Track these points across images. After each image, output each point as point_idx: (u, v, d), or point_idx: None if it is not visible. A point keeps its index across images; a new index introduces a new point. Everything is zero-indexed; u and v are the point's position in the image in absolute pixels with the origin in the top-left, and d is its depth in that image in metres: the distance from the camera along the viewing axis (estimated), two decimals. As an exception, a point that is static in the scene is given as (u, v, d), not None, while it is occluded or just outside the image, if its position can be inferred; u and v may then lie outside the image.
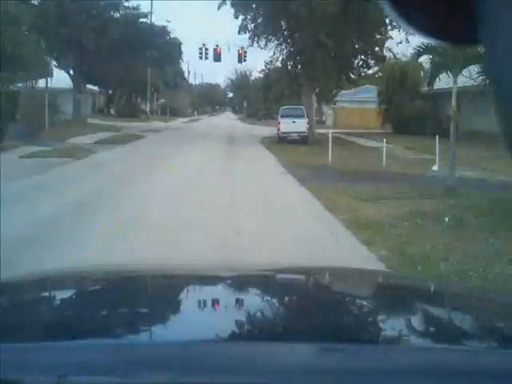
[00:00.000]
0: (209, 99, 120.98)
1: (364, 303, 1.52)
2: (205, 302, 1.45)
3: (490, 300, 1.61)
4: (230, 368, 0.87)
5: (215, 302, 1.45)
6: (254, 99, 77.87)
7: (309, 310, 1.36)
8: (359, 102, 51.37)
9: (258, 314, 1.27)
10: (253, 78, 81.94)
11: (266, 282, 1.72)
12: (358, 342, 1.04)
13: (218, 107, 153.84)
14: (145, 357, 0.89)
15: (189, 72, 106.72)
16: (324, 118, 55.69)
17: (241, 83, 79.83)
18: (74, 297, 1.54)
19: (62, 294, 1.56)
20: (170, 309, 1.38)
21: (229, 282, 1.71)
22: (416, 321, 1.34)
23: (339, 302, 1.54)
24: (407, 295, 1.62)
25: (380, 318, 1.37)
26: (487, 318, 1.39)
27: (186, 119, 66.30)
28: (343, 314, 1.36)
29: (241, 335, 1.11)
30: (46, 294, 1.64)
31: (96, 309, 1.37)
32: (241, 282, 1.71)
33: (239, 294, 1.57)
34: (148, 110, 52.50)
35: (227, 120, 75.53)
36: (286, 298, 1.54)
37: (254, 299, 1.50)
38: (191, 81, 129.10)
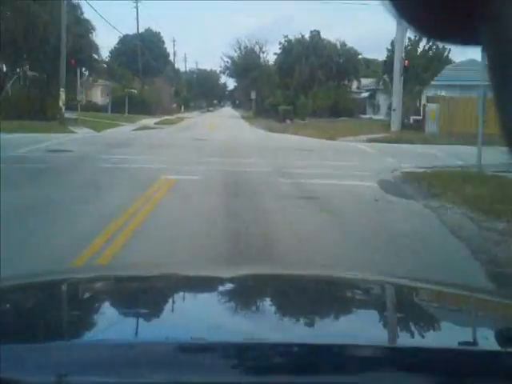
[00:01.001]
0: (204, 91, 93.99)
1: (363, 303, 1.52)
2: (204, 302, 1.45)
3: (489, 300, 1.62)
4: (228, 368, 0.88)
5: (214, 302, 1.45)
6: (267, 87, 50.93)
7: (308, 310, 1.38)
8: (467, 88, 26.99)
9: (257, 315, 1.30)
10: (266, 55, 55.04)
11: (267, 284, 1.74)
12: (356, 342, 1.05)
13: (215, 101, 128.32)
14: (145, 356, 0.89)
15: (174, 53, 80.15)
16: (420, 118, 29.01)
17: (246, 64, 52.99)
18: (73, 297, 1.55)
19: (61, 294, 1.57)
20: (170, 309, 1.40)
21: (228, 283, 1.70)
22: (416, 321, 1.33)
23: (337, 303, 1.55)
24: (407, 296, 1.65)
25: (380, 318, 1.36)
26: (486, 317, 1.41)
27: (156, 120, 39.33)
28: (341, 315, 1.38)
29: (241, 335, 1.11)
30: (46, 294, 1.59)
31: (96, 309, 1.40)
32: (242, 283, 1.72)
33: (239, 295, 1.56)
34: (61, 103, 25.49)
35: (226, 120, 48.39)
36: (286, 300, 1.53)
37: (254, 300, 1.50)
38: (180, 66, 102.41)
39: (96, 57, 32.99)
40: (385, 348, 1.00)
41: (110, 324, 1.21)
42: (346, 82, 48.95)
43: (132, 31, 70.08)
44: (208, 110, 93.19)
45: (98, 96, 52.62)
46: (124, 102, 47.99)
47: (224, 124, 38.18)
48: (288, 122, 38.41)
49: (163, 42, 79.50)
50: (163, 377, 0.85)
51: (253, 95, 50.99)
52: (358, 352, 0.95)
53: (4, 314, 1.27)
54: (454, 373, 0.88)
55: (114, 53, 74.18)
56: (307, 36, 49.85)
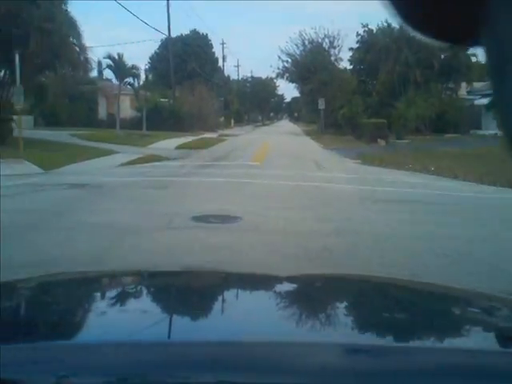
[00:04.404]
0: (258, 102, 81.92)
1: (363, 303, 1.54)
2: (211, 301, 1.43)
3: (489, 300, 1.65)
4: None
5: (207, 302, 1.43)
6: (340, 94, 37.96)
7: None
8: None
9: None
10: (338, 51, 41.79)
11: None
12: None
13: (272, 114, 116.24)
14: (146, 357, 0.87)
15: (224, 57, 68.39)
16: None
17: (312, 63, 40.17)
18: (74, 297, 1.52)
19: (62, 294, 1.55)
20: (172, 308, 1.37)
21: (231, 282, 1.69)
22: (415, 322, 1.34)
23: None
24: (406, 296, 1.64)
25: (377, 318, 1.36)
26: (486, 317, 1.42)
27: (183, 141, 27.24)
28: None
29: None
30: (47, 294, 1.57)
31: (96, 309, 1.38)
32: (245, 282, 1.70)
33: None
34: None
35: (285, 138, 35.67)
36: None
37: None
38: (230, 73, 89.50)
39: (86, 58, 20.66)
40: (383, 348, 0.98)
41: (111, 324, 1.18)
42: (452, 85, 35.32)
43: (177, 34, 59.44)
44: (263, 124, 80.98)
45: (127, 108, 41.04)
46: (159, 116, 36.65)
47: (283, 146, 25.39)
48: (381, 142, 25.37)
49: (211, 45, 68.07)
50: (165, 377, 0.82)
51: (321, 104, 38.08)
52: (356, 351, 0.93)
53: (4, 314, 1.23)
54: (453, 373, 0.87)
55: (155, 59, 63.64)
56: (396, 24, 36.55)
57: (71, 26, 18.61)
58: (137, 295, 1.51)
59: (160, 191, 9.47)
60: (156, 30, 53.91)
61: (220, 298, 1.47)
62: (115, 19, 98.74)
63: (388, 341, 1.10)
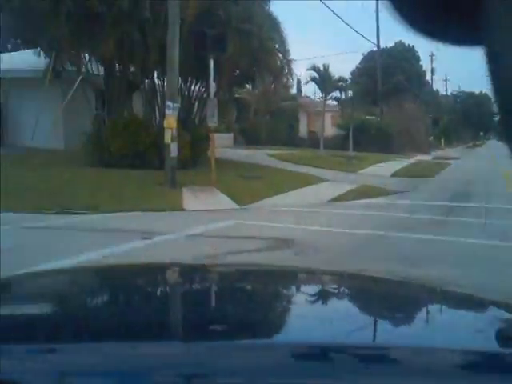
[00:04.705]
0: (468, 120, 73.68)
1: (367, 301, 1.52)
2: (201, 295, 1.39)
3: (489, 300, 1.64)
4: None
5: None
6: None
7: (310, 309, 1.35)
8: None
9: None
10: None
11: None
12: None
13: (481, 133, 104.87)
14: (148, 357, 0.87)
15: (432, 70, 62.32)
16: None
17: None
18: (74, 297, 1.50)
19: (62, 294, 1.53)
20: (173, 308, 1.33)
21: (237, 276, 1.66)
22: (415, 321, 1.35)
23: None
24: (406, 295, 1.63)
25: (378, 317, 1.34)
26: (486, 317, 1.43)
27: (399, 166, 22.97)
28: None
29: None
30: (47, 294, 1.53)
31: (97, 309, 1.36)
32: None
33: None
34: (168, 137, 10.80)
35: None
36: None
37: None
38: (438, 87, 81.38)
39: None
40: (383, 348, 0.98)
41: (112, 325, 1.15)
42: None
43: (385, 45, 54.95)
44: (474, 145, 72.32)
45: (328, 126, 37.95)
46: (364, 135, 32.72)
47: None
48: None
49: (418, 57, 62.37)
50: (167, 378, 0.82)
51: None
52: (360, 352, 0.93)
53: (4, 314, 1.21)
54: (453, 373, 0.88)
55: (356, 73, 60.05)
56: None
57: (273, 28, 15.59)
58: (138, 295, 1.41)
59: (414, 271, 5.42)
60: (367, 39, 49.84)
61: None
62: (306, 28, 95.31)
63: (385, 340, 1.08)
